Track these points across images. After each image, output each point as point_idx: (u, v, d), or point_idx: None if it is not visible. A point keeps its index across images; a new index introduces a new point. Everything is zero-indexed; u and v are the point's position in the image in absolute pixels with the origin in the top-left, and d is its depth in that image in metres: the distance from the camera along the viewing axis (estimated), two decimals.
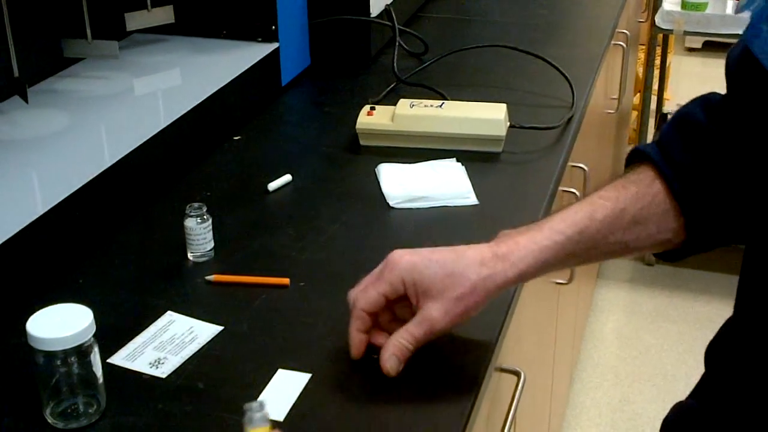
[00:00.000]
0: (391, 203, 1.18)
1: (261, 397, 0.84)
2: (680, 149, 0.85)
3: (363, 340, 0.87)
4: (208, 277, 1.02)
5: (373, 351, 0.87)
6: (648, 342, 2.68)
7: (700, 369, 0.96)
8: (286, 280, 1.02)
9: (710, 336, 0.95)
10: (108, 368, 0.87)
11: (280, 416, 0.82)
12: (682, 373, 2.54)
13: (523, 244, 0.85)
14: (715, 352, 0.92)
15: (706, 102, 0.87)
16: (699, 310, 2.81)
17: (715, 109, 0.86)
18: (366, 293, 0.86)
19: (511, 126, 1.36)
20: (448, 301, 0.83)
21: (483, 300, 0.84)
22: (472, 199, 1.19)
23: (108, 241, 1.10)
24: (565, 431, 2.34)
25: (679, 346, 2.66)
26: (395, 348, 0.84)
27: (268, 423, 0.71)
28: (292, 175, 1.25)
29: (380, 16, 1.68)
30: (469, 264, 0.84)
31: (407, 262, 0.85)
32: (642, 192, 0.85)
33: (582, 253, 0.86)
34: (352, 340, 0.87)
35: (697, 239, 0.87)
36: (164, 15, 1.43)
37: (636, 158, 0.90)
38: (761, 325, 0.81)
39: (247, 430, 0.71)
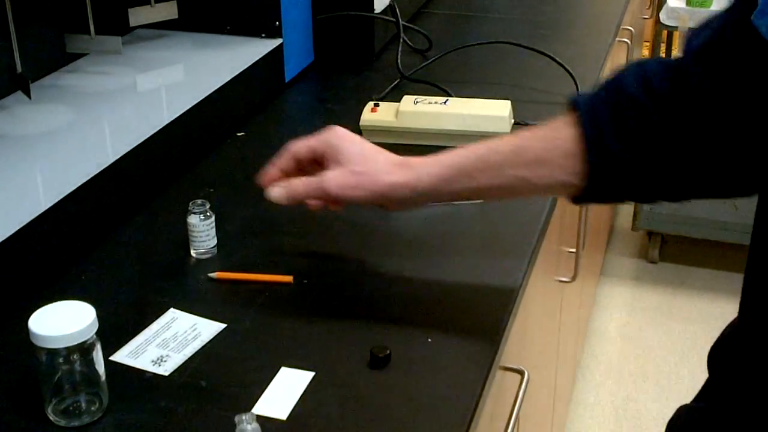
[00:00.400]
0: None
1: (264, 395, 0.84)
2: (607, 118, 0.86)
3: (274, 174, 0.99)
4: (211, 275, 1.02)
5: (373, 346, 0.87)
6: (651, 340, 2.68)
7: (703, 367, 0.95)
8: (289, 278, 1.01)
9: (714, 334, 0.94)
10: (110, 366, 0.86)
11: (283, 415, 0.82)
12: (686, 371, 2.53)
13: (427, 160, 0.94)
14: (718, 356, 0.92)
15: (643, 78, 0.86)
16: (703, 307, 2.81)
17: (655, 91, 0.85)
18: (297, 142, 0.99)
19: (515, 123, 1.35)
20: (346, 171, 0.94)
21: (373, 188, 0.93)
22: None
23: (111, 237, 1.10)
24: (568, 429, 2.34)
25: (682, 343, 2.65)
26: (289, 185, 0.97)
27: None
28: None
29: (384, 12, 1.67)
30: (381, 158, 0.95)
31: (341, 133, 0.97)
32: (550, 135, 0.89)
33: (481, 177, 0.91)
34: (265, 171, 0.99)
35: (596, 189, 0.88)
36: (168, 10, 1.43)
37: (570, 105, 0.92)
38: (765, 328, 0.81)
39: None
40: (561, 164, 0.88)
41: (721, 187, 0.88)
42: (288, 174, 0.99)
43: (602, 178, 0.87)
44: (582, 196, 0.90)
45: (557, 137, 0.88)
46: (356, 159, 0.94)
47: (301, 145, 0.98)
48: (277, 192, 0.98)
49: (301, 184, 0.96)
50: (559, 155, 0.88)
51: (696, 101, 0.81)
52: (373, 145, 0.97)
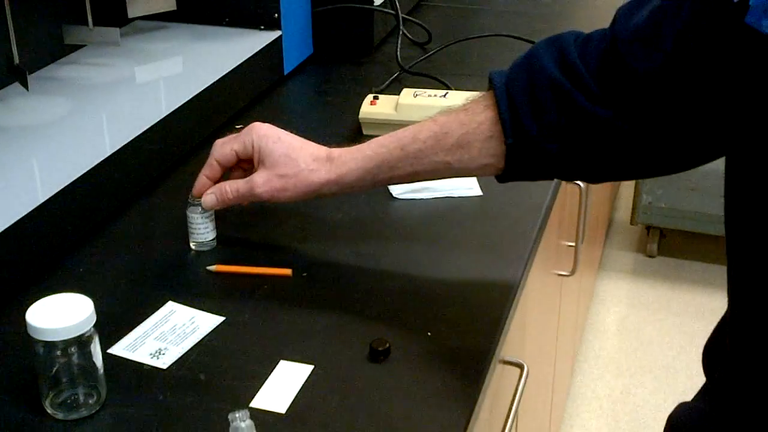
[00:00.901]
0: (395, 194, 1.17)
1: (263, 389, 0.83)
2: (523, 98, 0.87)
3: (205, 183, 1.01)
4: (210, 267, 1.02)
5: (372, 340, 0.87)
6: (649, 334, 2.68)
7: (701, 361, 0.95)
8: (288, 271, 1.01)
9: (711, 328, 0.94)
10: (108, 359, 0.86)
11: (282, 408, 0.81)
12: (684, 365, 2.54)
13: (351, 153, 0.96)
14: (711, 356, 0.92)
15: (559, 54, 0.86)
16: (701, 301, 2.81)
17: (572, 68, 0.85)
18: (222, 147, 1.01)
19: None
20: (273, 175, 0.97)
21: (301, 188, 0.97)
22: (476, 190, 1.18)
23: (109, 230, 1.10)
24: (566, 423, 2.34)
25: (680, 338, 2.65)
26: (219, 190, 1.00)
27: None
28: None
29: (383, 4, 1.67)
30: (304, 155, 0.97)
31: (263, 131, 0.99)
32: (468, 119, 0.90)
33: (404, 167, 0.94)
34: (197, 181, 1.02)
35: (516, 169, 0.91)
36: (166, 2, 1.42)
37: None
38: (754, 324, 0.81)
39: None
40: (481, 147, 0.90)
41: (642, 168, 0.89)
42: (215, 178, 1.02)
43: (520, 159, 0.89)
44: (503, 175, 0.92)
45: (476, 120, 0.90)
46: (281, 161, 0.97)
47: (225, 151, 1.00)
48: (208, 199, 1.01)
49: (230, 190, 1.00)
50: (478, 139, 0.90)
51: (639, 84, 0.80)
52: (295, 139, 0.99)
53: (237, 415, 0.75)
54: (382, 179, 0.96)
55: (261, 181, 0.97)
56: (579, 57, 0.85)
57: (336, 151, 0.97)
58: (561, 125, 0.86)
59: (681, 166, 0.89)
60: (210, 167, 1.01)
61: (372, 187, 0.98)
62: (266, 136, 0.98)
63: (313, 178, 0.96)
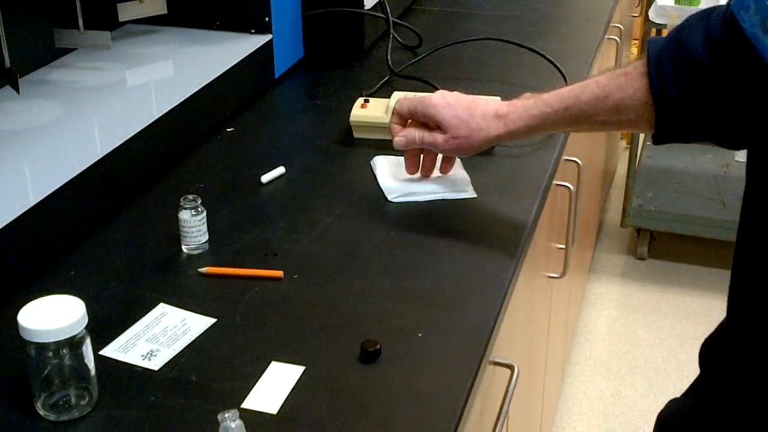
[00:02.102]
0: (390, 197, 1.18)
1: (254, 390, 0.84)
2: (670, 68, 0.93)
3: (396, 129, 1.17)
4: (202, 270, 1.02)
5: (363, 341, 0.87)
6: (640, 336, 2.69)
7: (691, 363, 0.96)
8: (279, 273, 1.01)
9: (702, 330, 0.95)
10: (100, 360, 0.86)
11: (273, 409, 0.82)
12: (674, 367, 2.54)
13: (518, 111, 1.07)
14: (709, 352, 0.92)
15: (706, 30, 0.90)
16: (691, 304, 2.82)
17: (716, 44, 0.88)
18: (401, 104, 1.17)
19: None
20: (450, 137, 1.11)
21: (476, 145, 1.11)
22: (470, 192, 1.19)
23: (101, 232, 1.10)
24: (557, 424, 2.34)
25: (670, 340, 2.66)
26: (409, 134, 1.16)
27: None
28: (285, 167, 1.25)
29: (374, 8, 1.67)
30: (474, 115, 1.10)
31: (432, 102, 1.12)
32: (627, 84, 0.97)
33: (566, 125, 1.06)
34: (391, 129, 1.18)
35: (665, 133, 0.97)
36: (157, 6, 1.43)
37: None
38: (753, 326, 0.81)
39: None
40: (638, 112, 0.97)
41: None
42: (402, 124, 1.18)
43: (669, 124, 0.95)
44: (657, 138, 0.98)
45: (633, 86, 0.97)
46: (453, 124, 1.10)
47: (402, 105, 1.16)
48: (398, 140, 1.16)
49: (417, 135, 1.14)
50: (635, 104, 0.97)
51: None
52: (464, 100, 1.12)
53: (227, 416, 0.75)
54: (546, 131, 1.12)
55: (441, 140, 1.12)
56: (721, 30, 0.88)
57: (504, 108, 1.08)
58: (697, 96, 0.90)
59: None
60: (395, 117, 1.18)
61: (538, 134, 1.13)
62: (436, 104, 1.11)
63: (483, 136, 1.09)
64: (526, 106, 1.07)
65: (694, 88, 0.90)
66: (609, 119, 1.00)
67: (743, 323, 0.84)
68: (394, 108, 1.18)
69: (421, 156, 1.19)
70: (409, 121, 1.17)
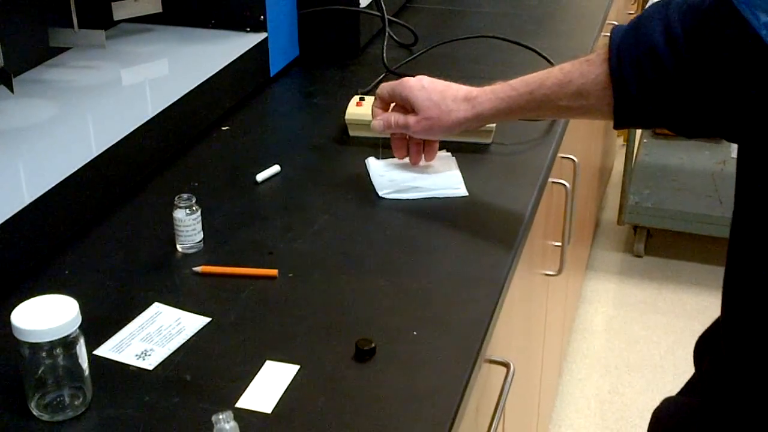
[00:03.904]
0: (381, 194, 1.18)
1: (248, 389, 0.84)
2: (629, 56, 0.96)
3: (377, 112, 1.22)
4: (196, 269, 1.02)
5: (358, 339, 0.87)
6: (637, 333, 2.69)
7: (688, 360, 0.96)
8: (274, 272, 1.01)
9: (699, 327, 0.95)
10: (94, 360, 0.86)
11: (268, 408, 0.81)
12: (671, 365, 2.55)
13: (486, 94, 1.12)
14: (703, 349, 0.92)
15: (665, 23, 0.92)
16: (688, 301, 2.82)
17: (675, 39, 0.91)
18: (382, 89, 1.21)
19: None
20: (422, 118, 1.16)
21: (445, 127, 1.16)
22: (462, 191, 1.19)
23: (95, 232, 1.10)
24: (554, 422, 2.34)
25: (667, 337, 2.66)
26: (386, 118, 1.20)
27: None
28: (280, 165, 1.25)
29: (369, 6, 1.67)
30: (445, 98, 1.15)
31: (409, 84, 1.17)
32: (589, 71, 1.02)
33: (531, 110, 1.10)
34: (373, 112, 1.23)
35: (623, 118, 1.01)
36: (152, 4, 1.42)
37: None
38: (747, 323, 0.81)
39: None
40: (598, 97, 1.01)
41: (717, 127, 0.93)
42: (383, 108, 1.23)
43: (626, 111, 0.99)
44: (616, 122, 1.01)
45: (594, 72, 1.01)
46: (425, 105, 1.15)
47: (383, 89, 1.21)
48: (376, 124, 1.21)
49: (393, 119, 1.19)
50: (596, 89, 1.01)
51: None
52: (438, 84, 1.16)
53: (221, 417, 0.75)
54: (514, 117, 1.13)
55: (413, 122, 1.16)
56: (680, 23, 0.91)
57: (474, 92, 1.13)
58: (658, 90, 0.94)
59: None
60: (376, 101, 1.22)
61: (506, 120, 1.19)
62: (411, 87, 1.16)
63: (453, 118, 1.14)
64: (495, 90, 1.11)
65: (652, 76, 0.93)
66: (571, 104, 1.04)
67: (737, 319, 0.84)
68: (376, 92, 1.22)
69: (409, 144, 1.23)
70: (392, 106, 1.22)
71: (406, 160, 1.26)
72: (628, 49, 0.96)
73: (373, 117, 1.22)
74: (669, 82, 0.92)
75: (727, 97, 0.84)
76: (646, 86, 0.95)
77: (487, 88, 1.13)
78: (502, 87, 1.11)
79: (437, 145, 1.24)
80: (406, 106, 1.19)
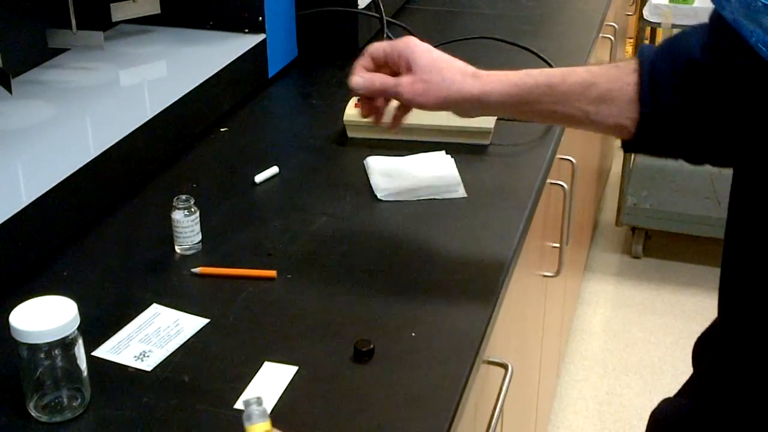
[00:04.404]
0: (379, 195, 1.18)
1: (247, 390, 0.84)
2: (667, 71, 0.89)
3: (359, 69, 1.04)
4: (195, 270, 1.02)
5: (357, 340, 0.87)
6: (635, 335, 2.69)
7: (687, 361, 0.96)
8: (273, 273, 1.01)
9: (697, 328, 0.95)
10: (92, 361, 0.86)
11: (267, 409, 0.81)
12: (669, 366, 2.55)
13: (497, 75, 0.98)
14: (702, 350, 0.92)
15: (703, 39, 0.88)
16: (686, 302, 2.82)
17: (711, 49, 0.86)
18: (376, 45, 1.04)
19: (499, 118, 1.35)
20: (418, 79, 1.00)
21: (442, 95, 0.99)
22: (461, 192, 1.19)
23: (93, 233, 1.10)
24: (552, 423, 2.34)
25: (666, 338, 2.66)
26: (370, 77, 1.03)
27: (268, 418, 0.70)
28: (279, 167, 1.25)
29: (368, 7, 1.67)
30: (451, 68, 0.99)
31: (413, 42, 1.02)
32: (617, 76, 0.92)
33: (547, 104, 0.96)
34: (354, 69, 1.04)
35: (644, 139, 0.92)
36: (150, 6, 1.42)
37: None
38: (744, 324, 0.81)
39: (245, 426, 0.69)
40: (623, 107, 0.91)
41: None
42: (368, 69, 1.05)
43: (651, 130, 0.90)
44: (631, 143, 0.94)
45: (624, 80, 0.91)
46: (426, 67, 0.99)
47: (377, 48, 1.04)
48: (356, 80, 1.04)
49: (378, 80, 1.03)
50: (622, 98, 0.91)
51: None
52: (446, 55, 1.02)
53: (252, 400, 0.71)
54: (523, 111, 0.99)
55: (405, 82, 1.00)
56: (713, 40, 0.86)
57: (484, 72, 0.99)
58: (698, 103, 0.86)
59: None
60: (364, 58, 1.05)
61: (510, 115, 1.03)
62: (416, 45, 1.01)
63: (454, 88, 0.98)
64: (508, 74, 0.98)
65: (688, 89, 0.87)
66: (591, 108, 0.94)
67: (734, 320, 0.84)
68: (366, 49, 1.05)
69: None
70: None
71: (406, 160, 1.26)
72: (665, 60, 0.89)
73: (353, 72, 1.04)
74: (706, 96, 0.86)
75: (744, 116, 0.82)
76: (686, 97, 0.87)
77: (500, 72, 0.99)
78: (516, 73, 0.98)
79: (410, 111, 1.07)
80: (399, 70, 1.03)
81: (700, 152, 0.91)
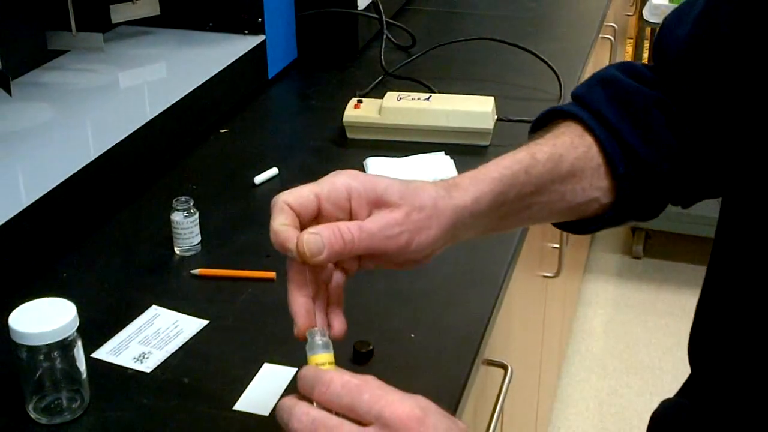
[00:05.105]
0: None
1: (246, 392, 0.84)
2: (607, 106, 0.80)
3: (289, 231, 0.67)
4: (194, 271, 1.02)
5: (356, 342, 0.87)
6: (635, 335, 2.69)
7: (687, 362, 0.96)
8: (272, 274, 1.01)
9: None
10: (92, 363, 0.86)
11: (266, 411, 0.81)
12: (670, 366, 2.55)
13: (471, 176, 0.76)
14: (695, 349, 0.92)
15: (627, 69, 0.84)
16: (686, 302, 2.82)
17: (645, 77, 0.83)
18: (293, 191, 0.69)
19: (498, 119, 1.35)
20: (409, 210, 0.69)
21: (444, 219, 0.71)
22: None
23: (93, 235, 1.10)
24: (552, 424, 2.34)
25: (666, 339, 2.66)
26: (329, 230, 0.67)
27: (331, 350, 0.66)
28: (278, 168, 1.25)
29: (368, 8, 1.67)
30: (422, 184, 0.72)
31: (354, 173, 0.71)
32: (576, 142, 0.79)
33: (527, 194, 0.77)
34: (276, 235, 0.67)
35: (624, 201, 0.81)
36: (150, 7, 1.42)
37: (552, 118, 0.83)
38: (735, 320, 0.81)
39: (309, 356, 0.66)
40: (591, 176, 0.79)
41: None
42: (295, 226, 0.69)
43: (633, 187, 0.80)
44: (610, 218, 0.81)
45: (584, 144, 0.79)
46: (403, 192, 0.70)
47: (301, 192, 0.69)
48: (310, 240, 0.67)
49: (347, 230, 0.68)
50: (590, 166, 0.79)
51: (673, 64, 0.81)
52: (390, 177, 0.73)
53: (316, 330, 0.67)
54: (510, 210, 0.77)
55: (398, 218, 0.69)
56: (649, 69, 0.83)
57: (451, 181, 0.75)
58: (664, 134, 0.80)
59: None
60: (282, 213, 0.68)
61: (496, 222, 0.78)
62: (360, 174, 0.71)
63: (451, 205, 0.72)
64: (481, 172, 0.76)
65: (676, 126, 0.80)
66: (563, 188, 0.78)
67: (706, 332, 0.84)
68: (272, 236, 0.69)
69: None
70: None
71: (406, 161, 1.26)
72: (606, 104, 0.80)
73: (283, 240, 0.67)
74: (672, 119, 0.81)
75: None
76: (647, 133, 0.79)
77: (464, 175, 0.77)
78: (486, 168, 0.77)
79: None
80: (339, 215, 0.69)
81: (693, 187, 0.86)
